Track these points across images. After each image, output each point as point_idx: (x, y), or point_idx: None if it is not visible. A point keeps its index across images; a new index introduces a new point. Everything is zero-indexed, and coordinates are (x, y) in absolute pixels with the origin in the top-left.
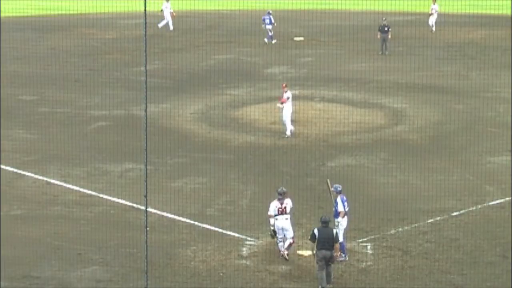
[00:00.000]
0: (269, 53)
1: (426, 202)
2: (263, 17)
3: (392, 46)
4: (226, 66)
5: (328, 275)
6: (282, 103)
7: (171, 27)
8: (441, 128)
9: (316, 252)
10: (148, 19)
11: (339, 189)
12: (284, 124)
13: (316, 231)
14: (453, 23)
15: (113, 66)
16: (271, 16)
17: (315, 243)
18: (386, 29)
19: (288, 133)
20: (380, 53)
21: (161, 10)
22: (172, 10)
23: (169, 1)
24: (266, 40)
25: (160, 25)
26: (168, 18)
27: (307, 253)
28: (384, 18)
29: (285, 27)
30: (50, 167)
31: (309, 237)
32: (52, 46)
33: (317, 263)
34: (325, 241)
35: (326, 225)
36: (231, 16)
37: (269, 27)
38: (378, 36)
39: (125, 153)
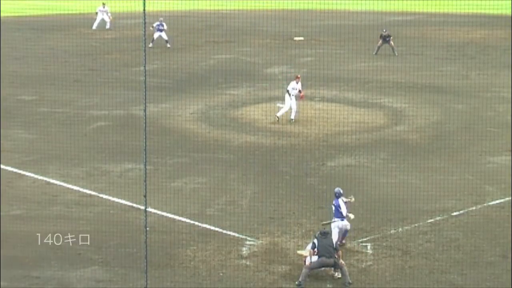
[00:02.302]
0: (269, 53)
1: (426, 202)
2: (155, 24)
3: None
4: (226, 66)
5: (344, 274)
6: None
7: (108, 26)
8: (441, 128)
9: (316, 259)
10: (148, 19)
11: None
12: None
13: (315, 240)
14: (453, 23)
15: (112, 66)
16: (163, 23)
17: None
18: (387, 39)
19: (293, 116)
20: (374, 53)
21: (96, 13)
22: (110, 14)
23: (106, 5)
24: (151, 44)
25: (95, 26)
26: (105, 18)
27: (306, 253)
28: (384, 30)
29: (285, 27)
30: (50, 167)
31: (311, 245)
32: (51, 46)
33: (306, 266)
34: (325, 250)
35: (325, 236)
36: (231, 16)
37: (162, 34)
38: (379, 43)
39: (125, 153)
